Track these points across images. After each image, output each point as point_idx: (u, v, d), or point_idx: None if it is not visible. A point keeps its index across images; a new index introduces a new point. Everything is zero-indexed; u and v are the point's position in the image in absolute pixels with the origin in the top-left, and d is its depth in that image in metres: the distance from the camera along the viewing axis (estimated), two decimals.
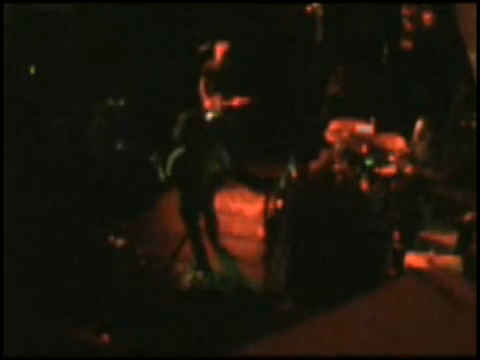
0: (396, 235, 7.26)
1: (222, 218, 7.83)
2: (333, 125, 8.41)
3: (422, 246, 7.13)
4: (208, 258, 7.51)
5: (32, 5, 8.72)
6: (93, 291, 6.71)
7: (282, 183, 7.62)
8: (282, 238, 7.28)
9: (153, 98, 9.41)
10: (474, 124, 8.54)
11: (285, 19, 10.22)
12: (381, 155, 8.00)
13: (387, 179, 7.79)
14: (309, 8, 10.12)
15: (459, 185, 7.78)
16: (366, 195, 7.52)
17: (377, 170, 7.85)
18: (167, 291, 7.21)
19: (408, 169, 7.78)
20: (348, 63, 9.60)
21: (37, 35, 8.68)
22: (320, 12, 10.09)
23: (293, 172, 7.57)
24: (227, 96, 8.82)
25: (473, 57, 8.39)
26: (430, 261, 6.86)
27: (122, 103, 9.10)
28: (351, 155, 7.91)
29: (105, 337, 6.38)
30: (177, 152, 7.10)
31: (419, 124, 8.03)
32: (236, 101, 8.80)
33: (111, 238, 7.57)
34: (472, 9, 8.25)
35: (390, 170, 7.87)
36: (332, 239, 6.98)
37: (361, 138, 8.16)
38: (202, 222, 7.50)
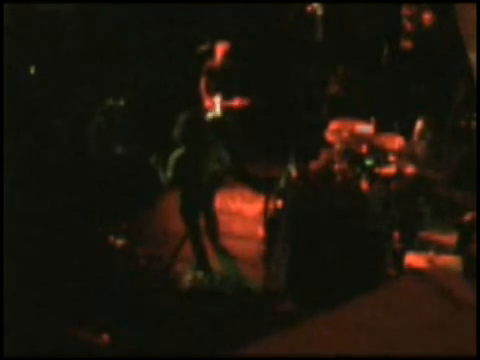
0: (396, 235, 7.26)
1: (222, 218, 7.83)
2: (333, 125, 8.41)
3: (422, 246, 7.13)
4: (208, 258, 7.50)
5: (32, 5, 8.72)
6: (93, 291, 6.71)
7: (282, 183, 7.62)
8: (282, 238, 7.28)
9: (153, 98, 9.41)
10: (474, 124, 8.53)
11: (285, 19, 10.23)
12: (381, 155, 8.01)
13: (387, 179, 7.79)
14: (309, 8, 10.12)
15: (459, 185, 7.77)
16: (366, 195, 7.52)
17: (377, 170, 7.85)
18: (167, 291, 7.21)
19: (408, 169, 7.78)
20: (348, 63, 9.60)
21: (37, 35, 8.68)
22: (320, 12, 10.09)
23: (293, 172, 7.57)
24: (227, 96, 8.82)
25: (473, 57, 8.39)
26: (430, 261, 6.85)
27: (122, 103, 9.10)
28: (351, 155, 7.91)
29: (105, 337, 6.37)
30: (178, 152, 7.10)
31: (419, 124, 8.03)
32: (236, 102, 8.80)
33: (111, 238, 7.57)
34: (472, 9, 8.24)
35: (390, 170, 7.87)
36: (332, 239, 6.98)
37: (361, 138, 8.16)
38: (202, 222, 7.50)
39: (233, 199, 8.77)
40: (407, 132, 8.24)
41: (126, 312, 6.59)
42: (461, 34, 8.78)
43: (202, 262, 7.47)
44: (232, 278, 7.34)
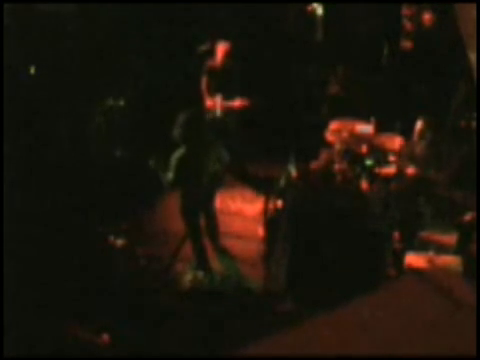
0: (396, 235, 7.26)
1: (222, 218, 7.83)
2: (333, 125, 8.41)
3: (422, 246, 7.13)
4: (208, 258, 7.50)
5: (32, 5, 8.72)
6: (93, 291, 6.71)
7: (282, 183, 7.62)
8: (282, 238, 7.28)
9: (153, 98, 9.41)
10: (474, 124, 8.54)
11: (285, 19, 10.23)
12: (381, 155, 8.01)
13: (387, 179, 7.79)
14: (309, 8, 10.13)
15: (459, 185, 7.77)
16: (366, 195, 7.52)
17: (377, 170, 7.85)
18: (167, 291, 7.21)
19: (408, 169, 7.78)
20: (348, 63, 9.61)
21: (37, 35, 8.68)
22: (320, 12, 10.09)
23: (293, 172, 7.57)
24: (228, 96, 8.82)
25: (473, 57, 8.39)
26: (430, 261, 6.85)
27: (122, 103, 9.10)
28: (351, 155, 7.91)
29: (105, 337, 6.37)
30: (178, 153, 7.10)
31: (419, 124, 8.03)
32: (237, 102, 8.80)
33: (111, 238, 7.57)
34: (472, 9, 8.24)
35: (390, 170, 7.87)
36: (332, 239, 6.98)
37: (361, 138, 8.16)
38: (202, 222, 7.50)
39: (233, 199, 8.77)
40: (407, 132, 8.24)
41: (126, 312, 6.58)
42: (461, 34, 8.78)
43: (202, 262, 7.46)
44: (232, 278, 7.34)
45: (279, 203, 7.44)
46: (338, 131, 8.27)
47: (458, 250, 7.01)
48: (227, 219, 8.15)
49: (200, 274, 7.33)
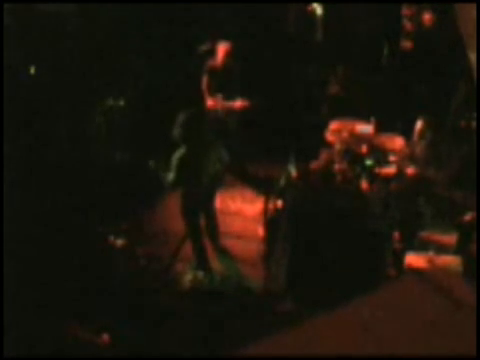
0: (396, 235, 7.26)
1: (222, 218, 7.83)
2: (333, 125, 8.41)
3: (422, 246, 7.13)
4: (208, 258, 7.51)
5: (32, 5, 8.72)
6: (93, 291, 6.71)
7: (282, 183, 7.62)
8: (282, 238, 7.28)
9: (153, 98, 9.41)
10: (474, 124, 8.54)
11: (285, 19, 10.22)
12: (381, 155, 8.01)
13: (387, 179, 7.79)
14: (309, 8, 10.13)
15: (459, 185, 7.77)
16: (366, 195, 7.52)
17: (377, 170, 7.85)
18: (167, 291, 7.21)
19: (408, 169, 7.78)
20: (348, 63, 9.60)
21: (37, 35, 8.68)
22: (320, 12, 10.09)
23: (293, 172, 7.57)
24: (228, 96, 8.82)
25: (473, 57, 8.39)
26: (430, 261, 6.85)
27: (122, 103, 9.10)
28: (351, 155, 7.91)
29: (105, 337, 6.37)
30: (179, 153, 7.10)
31: (419, 124, 8.03)
32: (238, 103, 8.80)
33: (111, 238, 7.56)
34: (472, 9, 8.24)
35: (390, 170, 7.87)
36: (332, 239, 6.98)
37: (361, 138, 8.16)
38: (202, 222, 7.50)
39: (233, 199, 8.77)
40: (407, 132, 8.24)
41: (126, 312, 6.58)
42: (461, 34, 8.78)
43: (202, 262, 7.47)
44: (232, 278, 7.34)
45: (279, 203, 7.44)
46: (338, 131, 8.27)
47: (458, 250, 7.02)
48: (227, 219, 8.15)
49: (200, 274, 7.33)
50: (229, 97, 8.82)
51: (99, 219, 7.80)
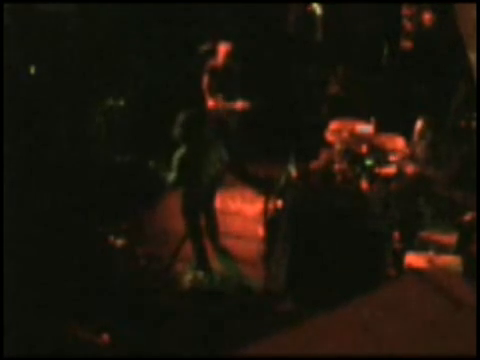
0: (396, 235, 7.26)
1: (222, 218, 7.84)
2: (333, 125, 8.41)
3: (422, 246, 7.13)
4: (208, 258, 7.51)
5: (32, 5, 8.72)
6: (93, 291, 6.71)
7: (282, 183, 7.62)
8: (282, 238, 7.28)
9: (153, 98, 9.41)
10: (474, 124, 8.54)
11: (285, 19, 10.22)
12: (381, 155, 8.01)
13: (387, 179, 7.79)
14: (309, 8, 10.12)
15: (459, 185, 7.78)
16: (366, 195, 7.52)
17: (377, 170, 7.85)
18: (167, 291, 7.21)
19: (408, 169, 7.78)
20: (348, 63, 9.60)
21: (37, 35, 8.67)
22: (320, 12, 10.09)
23: (293, 172, 7.57)
24: (229, 96, 8.82)
25: (473, 57, 8.39)
26: (430, 261, 6.85)
27: (122, 103, 9.10)
28: (351, 155, 7.91)
29: (105, 337, 6.37)
30: (180, 152, 7.09)
31: (419, 124, 8.03)
32: (239, 105, 8.79)
33: (111, 238, 7.56)
34: (472, 9, 8.24)
35: (390, 170, 7.87)
36: (332, 239, 6.99)
37: (361, 138, 8.16)
38: (202, 222, 7.50)
39: (233, 199, 8.77)
40: (407, 132, 8.24)
41: (126, 312, 6.58)
42: (461, 34, 8.78)
43: (202, 262, 7.47)
44: (232, 278, 7.34)
45: (279, 203, 7.44)
46: (338, 131, 8.27)
47: (458, 250, 7.02)
48: (227, 219, 8.15)
49: (200, 274, 7.33)
50: (230, 97, 8.82)
51: (99, 219, 7.80)
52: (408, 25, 9.74)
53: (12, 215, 6.65)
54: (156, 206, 8.57)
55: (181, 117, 7.14)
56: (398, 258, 7.12)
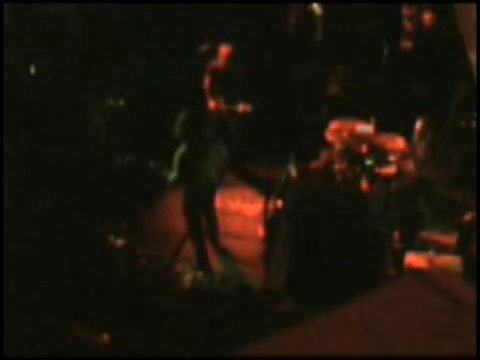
0: (396, 235, 7.26)
1: (222, 218, 7.84)
2: (333, 125, 8.41)
3: (422, 246, 7.13)
4: (208, 258, 7.51)
5: (32, 5, 8.72)
6: (93, 291, 6.71)
7: (282, 183, 7.62)
8: (282, 238, 7.28)
9: (153, 98, 9.41)
10: (474, 124, 8.54)
11: (285, 19, 10.22)
12: (381, 155, 8.01)
13: (387, 179, 7.79)
14: (309, 8, 10.12)
15: (459, 185, 7.78)
16: (366, 195, 7.52)
17: (377, 170, 7.85)
18: (167, 291, 7.21)
19: (408, 169, 7.78)
20: (348, 63, 9.60)
21: (37, 35, 8.67)
22: (320, 12, 10.09)
23: (293, 172, 7.57)
24: (229, 97, 8.82)
25: (473, 57, 8.39)
26: (430, 261, 6.85)
27: (122, 103, 9.10)
28: (351, 155, 7.91)
29: (105, 337, 6.37)
30: (180, 151, 7.09)
31: (419, 124, 8.03)
32: (240, 107, 8.79)
33: (111, 238, 7.56)
34: (472, 9, 8.24)
35: (390, 170, 7.87)
36: (332, 239, 6.99)
37: (361, 138, 8.16)
38: (202, 222, 7.50)
39: (233, 199, 8.77)
40: (407, 132, 8.24)
41: (126, 312, 6.58)
42: (461, 34, 8.78)
43: (202, 262, 7.47)
44: (232, 278, 7.34)
45: (279, 203, 7.44)
46: (338, 131, 8.27)
47: (458, 250, 7.02)
48: (227, 219, 8.15)
49: (200, 274, 7.33)
50: (231, 98, 8.82)
51: (99, 219, 7.80)
52: (408, 25, 9.74)
53: (12, 215, 6.65)
54: (156, 206, 8.57)
55: (181, 116, 7.14)
56: (398, 258, 7.12)
